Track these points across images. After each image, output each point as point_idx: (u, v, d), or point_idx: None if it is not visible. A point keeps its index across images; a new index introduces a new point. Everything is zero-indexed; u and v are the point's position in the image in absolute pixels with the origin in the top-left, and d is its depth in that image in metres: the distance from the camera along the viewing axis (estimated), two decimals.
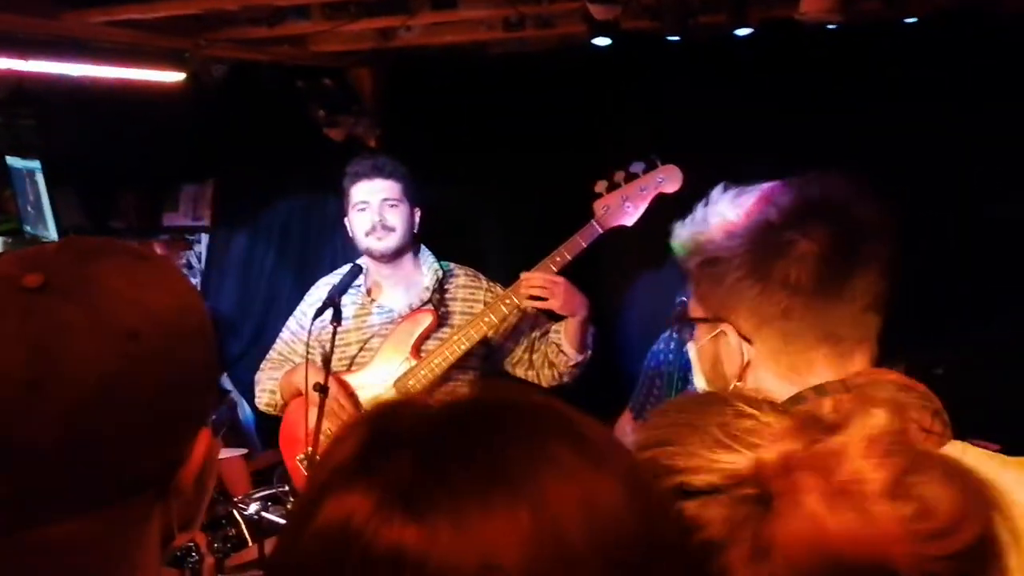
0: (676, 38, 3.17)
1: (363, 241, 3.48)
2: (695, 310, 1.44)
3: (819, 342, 1.33)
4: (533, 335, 3.54)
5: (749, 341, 1.35)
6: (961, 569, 0.75)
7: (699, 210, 1.43)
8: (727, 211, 1.39)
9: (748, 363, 1.36)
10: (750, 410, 0.87)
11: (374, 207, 3.46)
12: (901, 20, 2.92)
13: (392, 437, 0.71)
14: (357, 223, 3.48)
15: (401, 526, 0.64)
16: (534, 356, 3.54)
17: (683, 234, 1.44)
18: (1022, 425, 2.91)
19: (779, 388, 1.32)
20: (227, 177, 4.96)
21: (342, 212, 3.75)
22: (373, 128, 4.65)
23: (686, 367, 3.02)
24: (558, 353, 3.46)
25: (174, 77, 3.89)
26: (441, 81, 4.47)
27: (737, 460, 0.83)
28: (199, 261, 5.05)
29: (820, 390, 1.28)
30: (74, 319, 0.84)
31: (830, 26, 2.93)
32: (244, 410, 4.69)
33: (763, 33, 3.16)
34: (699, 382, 1.49)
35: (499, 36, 4.05)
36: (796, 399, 1.27)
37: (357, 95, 4.59)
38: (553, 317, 3.48)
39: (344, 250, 4.68)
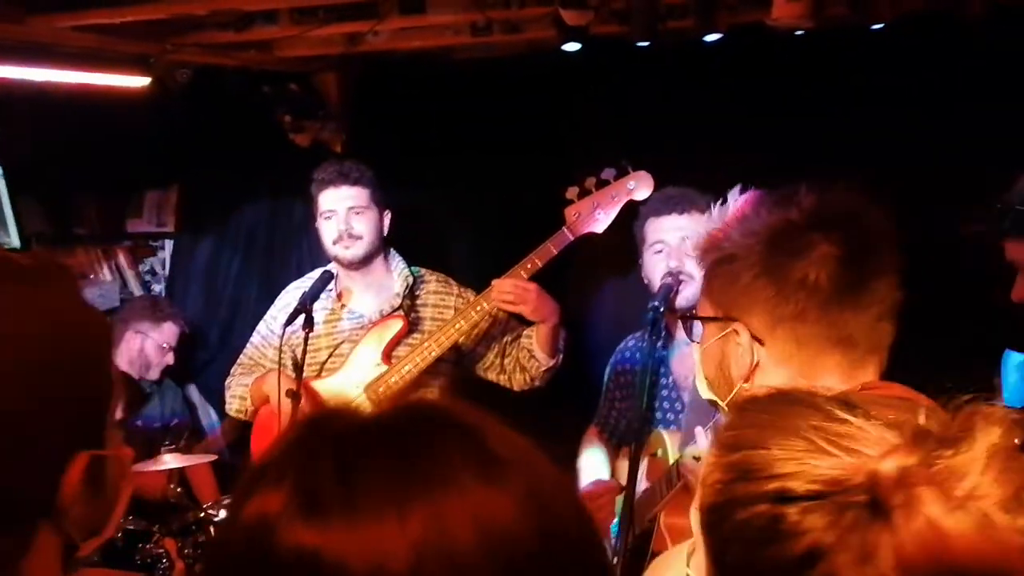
0: (645, 43, 3.19)
1: (331, 249, 3.49)
2: (704, 309, 1.45)
3: (833, 347, 1.32)
4: (505, 340, 3.55)
5: (761, 342, 1.35)
6: None
7: (715, 210, 1.44)
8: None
9: (757, 364, 1.36)
10: (842, 415, 0.88)
11: (340, 215, 3.46)
12: (868, 26, 2.97)
13: (316, 442, 0.76)
14: (325, 231, 3.49)
15: (301, 526, 0.69)
16: (506, 361, 3.55)
17: (702, 234, 1.44)
18: None
19: None
20: (192, 183, 4.91)
21: (309, 217, 3.74)
22: (339, 133, 4.63)
23: (657, 369, 3.04)
24: (530, 358, 3.47)
25: (139, 82, 3.86)
26: (408, 86, 4.46)
27: (839, 466, 0.84)
28: (163, 267, 5.00)
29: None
30: None
31: (798, 32, 2.97)
32: (211, 416, 4.65)
33: (732, 39, 3.20)
34: (700, 383, 1.50)
35: (466, 41, 4.05)
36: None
37: (323, 100, 4.57)
38: (525, 322, 3.50)
39: (311, 255, 4.66)
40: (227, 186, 4.78)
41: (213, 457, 3.95)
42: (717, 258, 1.41)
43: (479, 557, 0.69)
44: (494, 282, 3.31)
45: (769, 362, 1.36)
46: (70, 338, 0.94)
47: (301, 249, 4.70)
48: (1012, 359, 3.49)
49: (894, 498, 0.80)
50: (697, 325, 1.50)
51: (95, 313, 1.02)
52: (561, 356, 3.50)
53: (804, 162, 3.35)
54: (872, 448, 0.84)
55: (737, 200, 1.44)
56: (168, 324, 4.36)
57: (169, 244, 5.00)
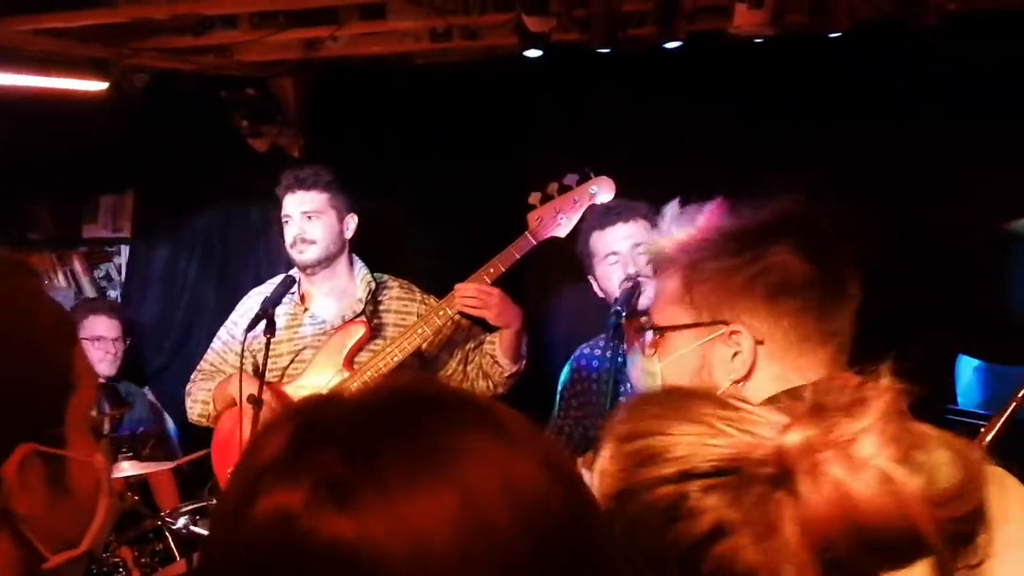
0: (605, 51, 3.22)
1: (289, 253, 3.50)
2: (676, 317, 1.41)
3: (828, 340, 1.35)
4: (467, 347, 3.55)
5: (762, 342, 1.35)
6: (968, 530, 0.85)
7: (664, 221, 1.46)
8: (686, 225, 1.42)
9: (754, 364, 1.35)
10: (736, 403, 0.94)
11: (295, 220, 3.46)
12: (827, 34, 3.02)
13: (318, 432, 0.73)
14: (286, 236, 3.49)
15: (334, 518, 0.66)
16: (468, 368, 3.55)
17: (662, 240, 1.45)
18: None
19: (773, 389, 1.32)
20: (148, 187, 4.87)
21: (266, 222, 3.73)
22: (297, 139, 4.62)
23: (620, 374, 3.05)
24: (493, 364, 3.48)
25: (96, 86, 3.82)
26: (366, 92, 4.46)
27: (737, 445, 0.88)
28: (119, 273, 4.95)
29: (793, 394, 1.28)
30: None
31: (758, 40, 3.01)
32: (168, 423, 4.60)
33: (691, 46, 3.23)
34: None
35: (425, 47, 4.06)
36: (772, 400, 1.28)
37: (280, 105, 4.55)
38: (488, 328, 3.50)
39: (268, 261, 4.64)
40: (184, 191, 4.75)
41: (172, 464, 3.91)
42: (701, 263, 1.40)
43: (514, 525, 0.68)
44: (457, 286, 3.31)
45: (763, 360, 1.35)
46: (14, 325, 0.92)
47: (258, 254, 4.67)
48: (965, 363, 3.57)
49: (800, 466, 0.85)
50: (649, 337, 1.47)
51: (52, 307, 0.99)
52: (524, 362, 3.51)
53: (763, 168, 3.40)
54: (767, 429, 0.89)
55: (706, 209, 1.46)
56: (92, 319, 4.29)
57: (125, 249, 4.95)
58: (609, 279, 3.05)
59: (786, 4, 3.01)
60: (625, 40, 3.26)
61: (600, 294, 3.13)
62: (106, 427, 3.68)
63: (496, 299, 3.28)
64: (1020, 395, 2.09)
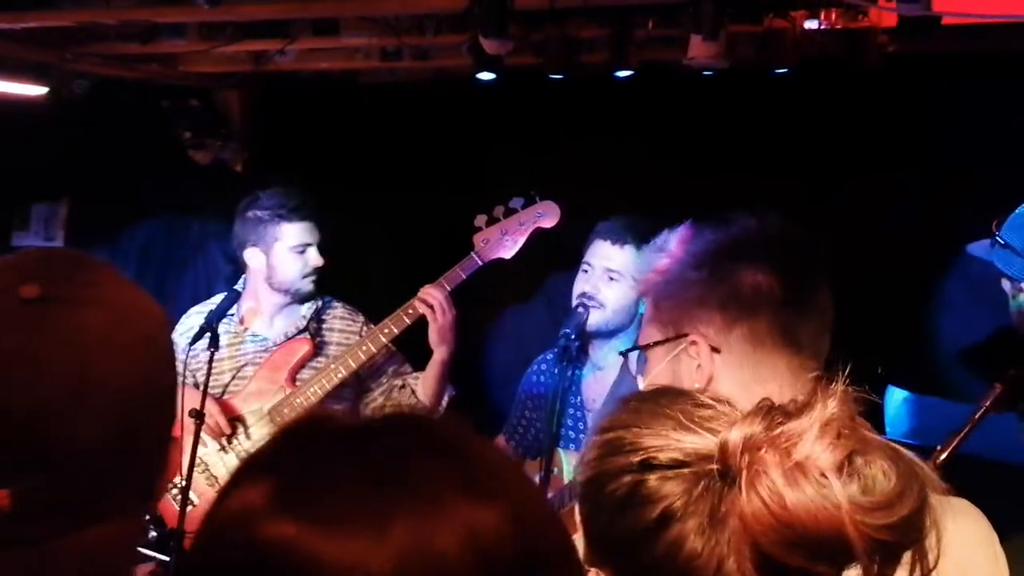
0: (558, 76, 3.25)
1: (296, 283, 3.42)
2: (650, 335, 1.47)
3: (784, 347, 1.38)
4: (393, 383, 3.52)
5: (717, 350, 1.39)
6: (900, 537, 0.86)
7: (662, 238, 1.49)
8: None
9: (711, 377, 1.40)
10: (708, 400, 0.99)
11: (313, 250, 3.43)
12: (773, 69, 3.10)
13: (305, 441, 0.76)
14: (291, 263, 3.40)
15: (282, 518, 0.69)
16: (387, 404, 3.52)
17: (642, 261, 1.49)
18: None
19: (737, 398, 1.36)
20: (84, 197, 4.77)
21: (205, 237, 3.67)
22: (240, 153, 4.57)
23: (568, 388, 3.09)
24: (411, 397, 3.46)
25: (35, 91, 3.74)
26: (312, 108, 4.44)
27: (699, 441, 0.93)
28: None
29: None
30: (103, 326, 0.86)
31: (707, 72, 3.07)
32: None
33: (643, 75, 3.29)
34: None
35: (374, 65, 4.06)
36: None
37: (224, 118, 4.50)
38: (416, 363, 3.47)
39: (207, 275, 4.57)
40: (121, 202, 4.66)
41: None
42: (664, 279, 1.45)
43: (465, 567, 0.69)
44: (426, 286, 3.30)
45: (724, 370, 1.39)
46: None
47: (197, 269, 4.61)
48: (894, 394, 3.66)
49: (740, 463, 0.89)
50: (636, 359, 1.53)
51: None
52: (442, 410, 3.47)
53: (711, 195, 3.46)
54: (726, 427, 0.93)
55: (676, 234, 1.50)
56: None
57: None
58: (575, 285, 3.13)
59: (736, 39, 3.09)
60: (578, 66, 3.29)
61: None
62: None
63: (450, 316, 3.28)
64: (976, 417, 2.13)
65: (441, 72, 4.16)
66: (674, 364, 1.43)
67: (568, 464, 2.93)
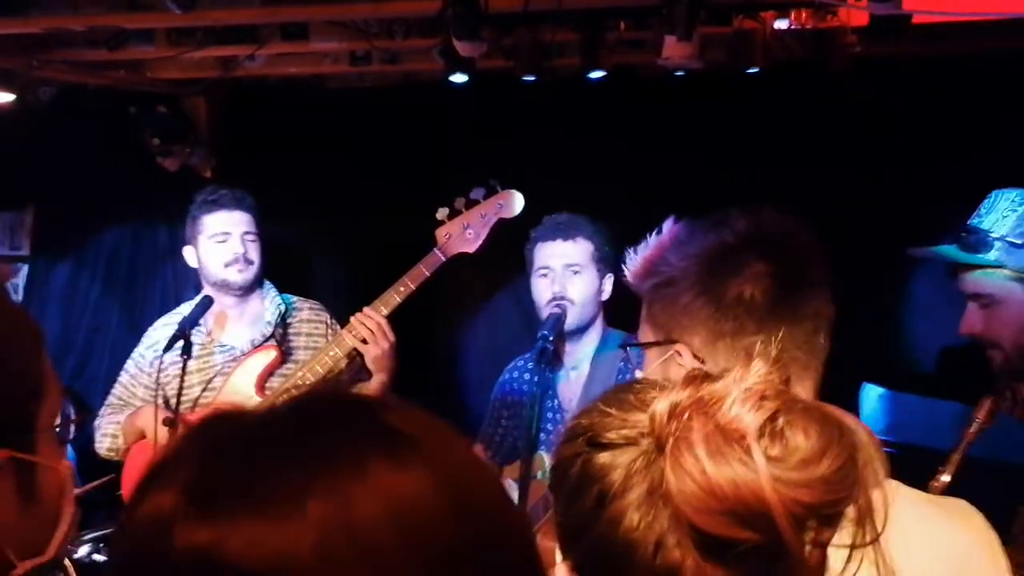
0: (530, 78, 3.25)
1: (220, 273, 3.37)
2: (645, 335, 1.47)
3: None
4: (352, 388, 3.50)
5: (703, 361, 1.38)
6: (820, 497, 0.84)
7: (652, 238, 1.48)
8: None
9: None
10: (660, 383, 0.99)
11: (236, 238, 3.37)
12: (743, 70, 3.11)
13: (211, 439, 0.73)
14: (213, 253, 3.37)
15: (196, 524, 0.66)
16: None
17: (635, 260, 1.48)
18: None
19: None
20: (50, 205, 4.70)
21: (175, 244, 3.63)
22: (208, 159, 4.53)
23: (544, 392, 3.09)
24: None
25: (1, 98, 3.68)
26: (280, 113, 4.41)
27: (645, 418, 0.92)
28: (16, 293, 4.75)
29: None
30: None
31: (678, 73, 3.08)
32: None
33: (614, 78, 3.29)
34: None
35: (343, 70, 4.04)
36: None
37: (192, 124, 4.46)
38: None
39: (175, 284, 4.53)
40: (88, 209, 4.59)
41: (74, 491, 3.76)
42: (656, 283, 1.44)
43: (391, 539, 0.66)
44: (354, 316, 3.25)
45: None
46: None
47: (166, 277, 4.56)
48: (870, 391, 3.68)
49: (666, 430, 0.88)
50: (637, 352, 1.52)
51: (17, 312, 0.98)
52: None
53: (685, 196, 3.48)
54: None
55: (668, 226, 1.49)
56: None
57: (23, 269, 4.76)
58: (538, 292, 3.12)
59: (706, 40, 3.10)
60: (550, 69, 3.29)
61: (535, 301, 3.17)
62: (71, 432, 3.52)
63: (387, 344, 3.21)
64: (973, 430, 2.13)
65: (411, 76, 4.15)
66: (664, 367, 1.42)
67: (548, 467, 2.92)
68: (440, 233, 3.32)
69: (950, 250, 2.29)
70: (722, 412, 0.86)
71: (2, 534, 0.88)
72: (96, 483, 3.61)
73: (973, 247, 2.21)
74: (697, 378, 0.91)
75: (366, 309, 3.26)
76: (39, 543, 0.93)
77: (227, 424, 0.74)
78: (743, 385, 0.88)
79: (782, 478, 0.83)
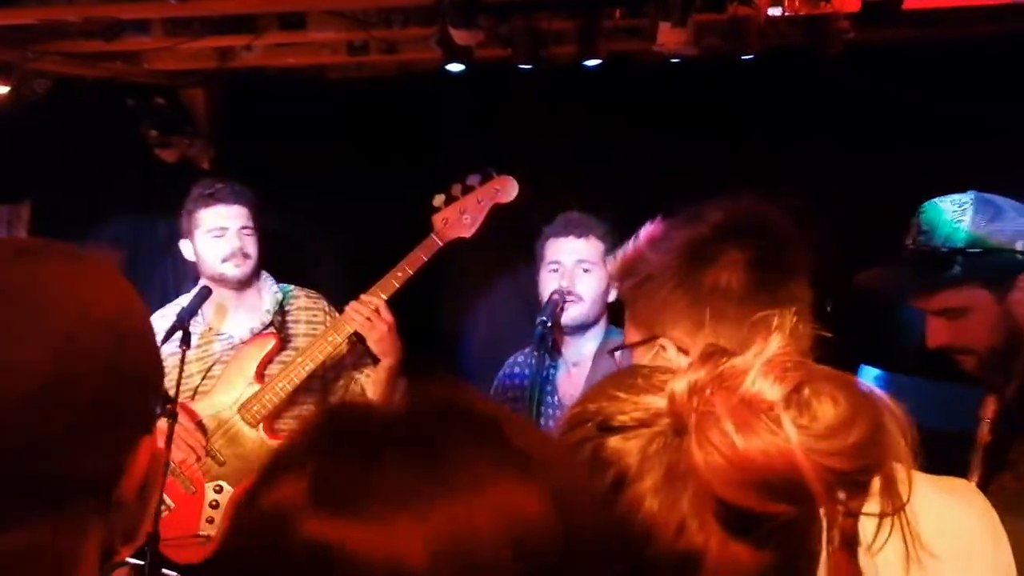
0: (527, 67, 3.27)
1: (217, 267, 3.39)
2: (631, 336, 1.47)
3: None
4: (354, 375, 3.51)
5: (687, 352, 1.37)
6: (854, 464, 0.83)
7: (631, 241, 1.49)
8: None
9: None
10: (668, 367, 0.98)
11: (233, 233, 3.38)
12: (739, 57, 3.13)
13: (339, 433, 0.74)
14: (210, 248, 3.39)
15: (317, 518, 0.67)
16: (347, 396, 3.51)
17: (616, 262, 1.48)
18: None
19: None
20: (47, 198, 4.69)
21: (175, 236, 3.63)
22: (207, 150, 4.53)
23: (544, 385, 3.10)
24: (361, 394, 3.45)
25: None
26: (279, 104, 4.41)
27: (656, 400, 0.91)
28: None
29: None
30: (7, 320, 0.82)
31: (674, 60, 3.09)
32: None
33: (611, 65, 3.31)
34: None
35: (341, 60, 4.04)
36: None
37: (190, 116, 4.47)
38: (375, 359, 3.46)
39: (175, 276, 4.53)
40: (86, 202, 4.59)
41: None
42: (635, 282, 1.44)
43: (506, 557, 0.67)
44: (361, 296, 3.28)
45: None
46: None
47: (165, 270, 4.55)
48: (867, 373, 3.70)
49: (686, 408, 0.86)
50: (626, 356, 1.51)
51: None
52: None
53: (682, 183, 3.49)
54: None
55: (647, 228, 1.49)
56: None
57: None
58: (545, 286, 3.12)
59: (701, 27, 3.12)
60: (547, 57, 3.31)
61: (540, 298, 3.18)
62: None
63: (384, 324, 3.24)
64: (985, 430, 2.11)
65: (408, 66, 4.16)
66: (652, 364, 1.40)
67: None
68: (437, 219, 3.34)
69: (908, 284, 2.18)
70: (745, 386, 0.85)
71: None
72: None
73: (933, 269, 2.10)
74: (714, 354, 0.90)
75: (363, 295, 3.28)
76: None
77: (356, 418, 0.76)
78: (763, 358, 0.87)
79: (814, 447, 0.81)
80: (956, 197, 2.10)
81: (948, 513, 1.28)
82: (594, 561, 0.74)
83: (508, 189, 3.31)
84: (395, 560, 0.66)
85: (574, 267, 3.08)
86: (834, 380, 0.87)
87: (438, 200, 3.34)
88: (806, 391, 0.85)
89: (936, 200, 2.12)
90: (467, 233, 3.31)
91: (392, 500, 0.68)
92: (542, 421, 3.13)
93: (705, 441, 0.83)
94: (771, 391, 0.84)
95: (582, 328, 3.11)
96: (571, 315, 3.04)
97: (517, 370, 3.34)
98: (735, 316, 1.34)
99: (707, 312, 1.35)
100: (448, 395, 0.79)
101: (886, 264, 2.22)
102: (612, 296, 3.14)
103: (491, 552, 0.67)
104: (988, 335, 2.08)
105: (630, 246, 1.48)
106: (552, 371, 3.16)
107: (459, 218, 3.31)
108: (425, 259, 3.30)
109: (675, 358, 1.39)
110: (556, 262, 3.12)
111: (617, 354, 1.56)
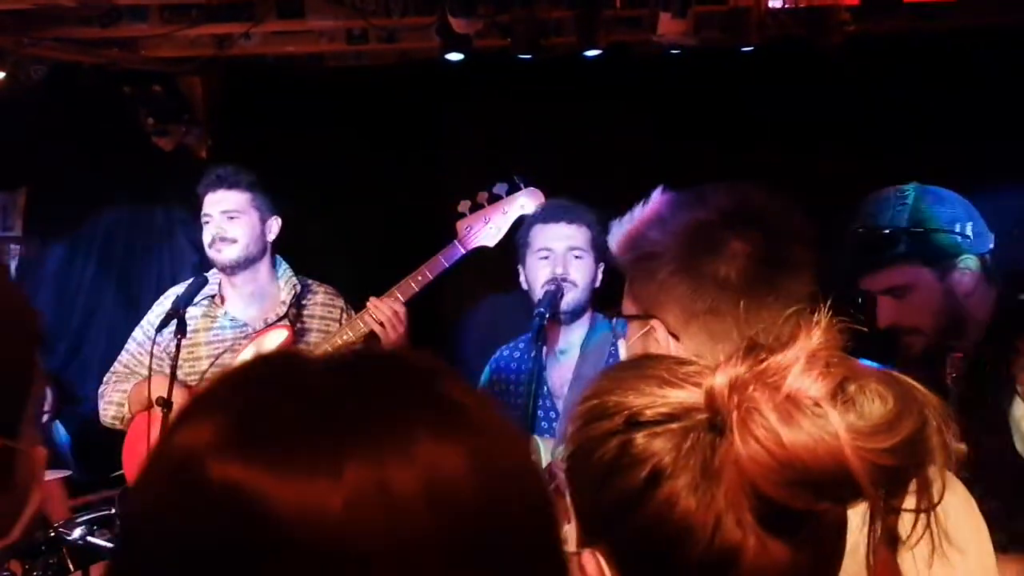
0: (527, 56, 3.25)
1: (208, 252, 3.40)
2: (627, 307, 1.45)
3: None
4: None
5: (677, 338, 1.36)
6: (903, 461, 0.82)
7: (637, 209, 1.46)
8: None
9: None
10: (691, 359, 0.96)
11: (215, 219, 3.37)
12: (738, 48, 3.11)
13: (261, 378, 0.72)
14: (204, 236, 3.40)
15: (230, 459, 0.65)
16: None
17: (619, 231, 1.47)
18: None
19: None
20: (43, 184, 4.68)
21: (171, 223, 3.64)
22: (204, 139, 4.52)
23: (540, 373, 3.08)
24: None
25: None
26: (277, 92, 4.40)
27: (685, 395, 0.89)
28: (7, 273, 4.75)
29: None
30: None
31: (674, 51, 3.08)
32: (59, 432, 4.43)
33: (610, 55, 3.29)
34: None
35: (340, 48, 4.03)
36: None
37: (187, 104, 4.45)
38: None
39: (171, 263, 4.52)
40: (82, 189, 4.58)
41: (66, 472, 3.76)
42: (636, 257, 1.42)
43: (423, 512, 0.66)
44: (372, 299, 3.25)
45: (684, 356, 1.37)
46: None
47: (162, 256, 4.55)
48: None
49: (729, 405, 0.85)
50: (623, 323, 1.51)
51: (19, 299, 0.97)
52: None
53: (681, 173, 3.48)
54: (711, 376, 0.89)
55: (652, 199, 1.47)
56: None
57: (16, 249, 4.75)
58: (536, 273, 3.07)
59: (701, 18, 3.10)
60: (546, 47, 3.29)
61: (524, 286, 3.15)
62: (45, 417, 3.56)
63: (403, 328, 3.22)
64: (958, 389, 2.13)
65: (407, 54, 4.14)
66: (644, 340, 1.41)
67: (545, 451, 2.90)
68: (461, 226, 3.28)
69: (856, 263, 2.26)
70: (788, 382, 0.83)
71: None
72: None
73: (878, 249, 2.21)
74: (751, 349, 0.88)
75: (382, 297, 3.24)
76: (7, 526, 0.92)
77: (281, 366, 0.73)
78: (804, 353, 0.85)
79: (862, 443, 0.80)
80: (900, 186, 2.23)
81: (961, 505, 1.29)
82: (517, 520, 0.72)
83: (534, 201, 3.27)
84: (311, 506, 0.64)
85: (566, 253, 3.05)
86: (878, 376, 0.86)
87: (463, 206, 3.29)
88: (851, 387, 0.84)
89: (881, 191, 2.25)
90: (491, 242, 3.28)
91: (308, 451, 0.65)
92: (540, 413, 3.11)
93: (749, 436, 0.82)
94: (815, 387, 0.83)
95: (571, 316, 3.09)
96: (566, 301, 3.02)
97: (504, 363, 3.31)
98: (729, 310, 1.33)
99: (701, 304, 1.35)
100: (382, 349, 0.78)
101: (833, 249, 2.25)
102: (599, 283, 3.12)
103: (408, 508, 0.65)
104: (932, 314, 2.19)
105: (636, 217, 1.46)
106: (543, 361, 3.13)
107: (483, 227, 3.27)
108: (447, 265, 3.25)
109: (664, 341, 1.37)
110: (547, 248, 3.08)
111: (617, 322, 1.54)
